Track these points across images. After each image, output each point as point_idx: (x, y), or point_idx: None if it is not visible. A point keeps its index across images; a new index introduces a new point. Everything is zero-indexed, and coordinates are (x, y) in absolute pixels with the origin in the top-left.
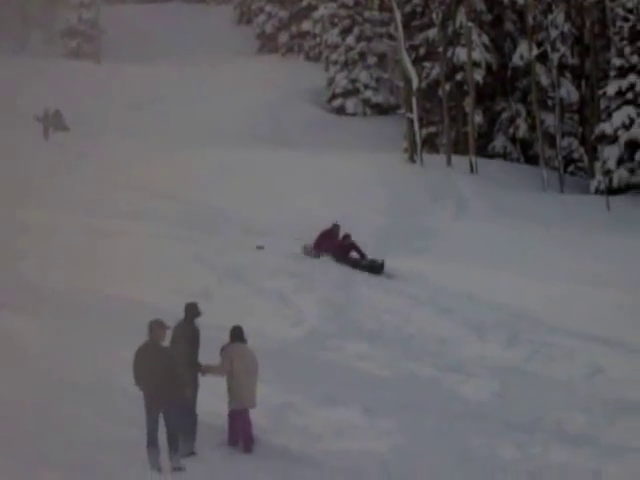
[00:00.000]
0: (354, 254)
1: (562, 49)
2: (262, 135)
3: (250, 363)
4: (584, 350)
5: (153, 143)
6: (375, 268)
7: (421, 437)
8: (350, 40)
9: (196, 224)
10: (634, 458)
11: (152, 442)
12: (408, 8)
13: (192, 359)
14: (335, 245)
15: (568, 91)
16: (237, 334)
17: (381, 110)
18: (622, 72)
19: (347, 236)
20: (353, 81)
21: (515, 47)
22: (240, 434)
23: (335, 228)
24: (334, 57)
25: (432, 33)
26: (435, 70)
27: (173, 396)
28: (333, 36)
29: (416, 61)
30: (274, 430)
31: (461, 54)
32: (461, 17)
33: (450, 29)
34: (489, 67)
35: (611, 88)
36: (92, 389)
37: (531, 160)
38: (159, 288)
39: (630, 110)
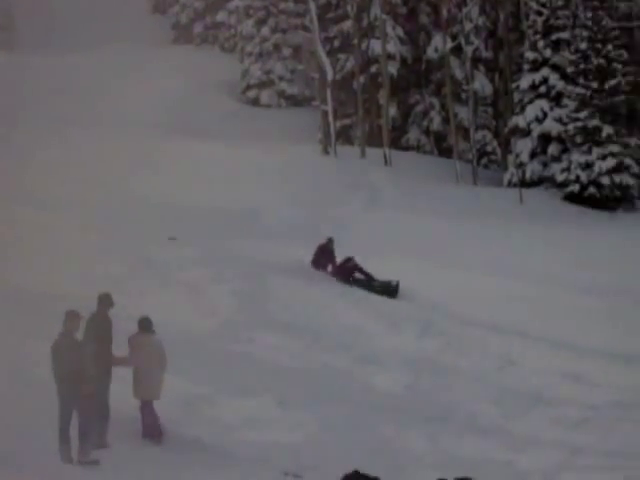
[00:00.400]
0: (358, 275)
1: (476, 42)
2: (176, 126)
3: (157, 354)
4: (497, 341)
5: (64, 134)
6: (390, 292)
7: (333, 428)
8: (265, 31)
9: (110, 214)
10: (546, 450)
11: (64, 436)
12: (323, 0)
13: (105, 350)
14: (335, 267)
15: (482, 84)
16: (145, 325)
17: (296, 102)
18: (535, 66)
19: (349, 259)
20: (268, 72)
21: (429, 40)
22: (152, 425)
23: (330, 243)
24: (249, 48)
25: (347, 25)
26: (350, 62)
27: (86, 390)
28: (248, 27)
29: (331, 53)
30: (186, 422)
31: (376, 46)
32: (376, 9)
33: (365, 21)
34: (403, 60)
35: (524, 81)
36: (4, 380)
37: (445, 153)
38: (72, 279)
39: (543, 103)
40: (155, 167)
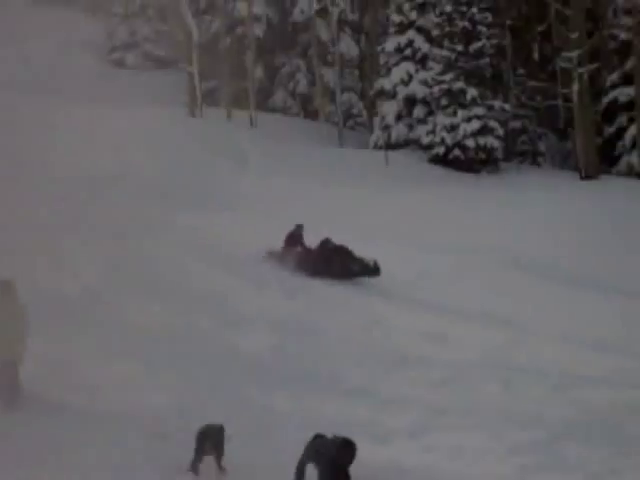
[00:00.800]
0: (337, 261)
1: (342, 4)
2: (36, 90)
3: (18, 317)
4: (362, 302)
5: None
6: (370, 272)
7: (199, 390)
8: None
9: None
10: (410, 410)
11: None
12: None
13: None
14: (313, 256)
15: (348, 46)
16: (6, 288)
17: (162, 64)
18: (401, 28)
19: (327, 241)
20: (133, 34)
21: (296, 2)
22: (9, 389)
23: (299, 229)
24: (114, 9)
25: None
26: (215, 24)
27: None
28: None
29: (197, 14)
30: (51, 385)
31: (241, 8)
32: None
33: None
34: (269, 21)
35: (390, 44)
36: None
37: (311, 115)
38: None
39: (409, 66)
40: (11, 132)
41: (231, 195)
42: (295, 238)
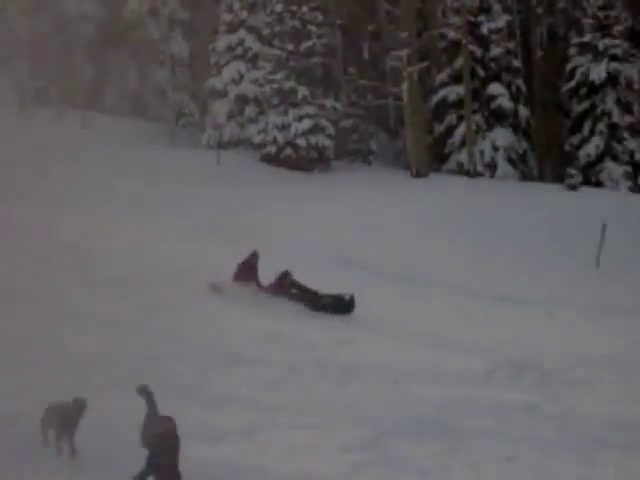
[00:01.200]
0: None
1: (172, 3)
2: None
3: None
4: (193, 301)
5: None
6: (344, 307)
7: (30, 395)
8: None
9: None
10: (242, 408)
11: None
12: None
13: None
14: (263, 286)
15: (179, 45)
16: None
17: None
18: (231, 27)
19: (286, 274)
20: None
21: (126, 0)
22: None
23: (254, 258)
24: None
25: None
26: (45, 22)
27: None
28: None
29: (25, 12)
30: None
31: (71, 6)
32: None
33: None
34: (100, 20)
35: (221, 43)
36: None
37: (142, 114)
38: None
39: (240, 65)
40: None
41: (60, 194)
42: (249, 269)
